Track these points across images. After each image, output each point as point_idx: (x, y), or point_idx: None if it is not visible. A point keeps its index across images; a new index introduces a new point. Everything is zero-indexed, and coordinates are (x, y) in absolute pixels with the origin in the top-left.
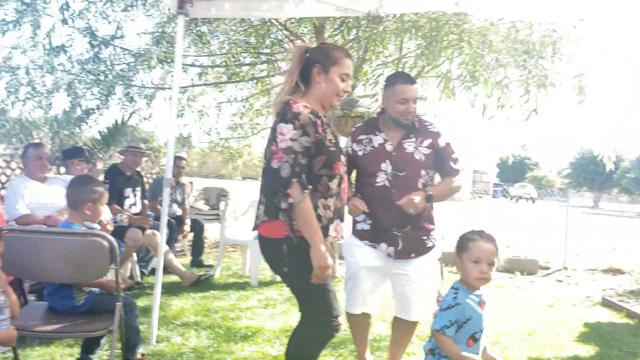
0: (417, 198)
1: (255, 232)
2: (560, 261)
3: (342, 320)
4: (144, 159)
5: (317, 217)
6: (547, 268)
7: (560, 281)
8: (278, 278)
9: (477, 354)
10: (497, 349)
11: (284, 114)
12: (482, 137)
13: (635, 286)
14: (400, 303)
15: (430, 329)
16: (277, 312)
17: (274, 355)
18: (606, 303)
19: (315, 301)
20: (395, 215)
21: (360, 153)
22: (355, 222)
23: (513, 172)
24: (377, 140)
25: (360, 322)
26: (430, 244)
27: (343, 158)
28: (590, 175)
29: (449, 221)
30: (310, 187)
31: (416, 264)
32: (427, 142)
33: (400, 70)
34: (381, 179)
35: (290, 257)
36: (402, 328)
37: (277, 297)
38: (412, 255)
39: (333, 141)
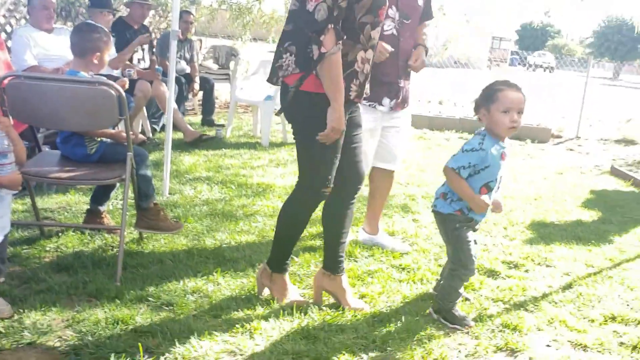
0: (423, 55)
1: (267, 92)
2: (573, 130)
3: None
4: (151, 11)
5: (354, 73)
6: (560, 137)
7: (571, 150)
8: (289, 139)
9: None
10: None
11: None
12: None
13: None
14: (387, 154)
15: (443, 168)
16: (288, 171)
17: None
18: (614, 172)
19: (314, 165)
20: (400, 65)
21: None
22: None
23: (533, 40)
24: None
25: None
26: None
27: (388, 2)
28: (614, 45)
29: (465, 87)
30: (345, 37)
31: (404, 114)
32: None
33: None
34: (389, 27)
35: (311, 116)
36: (384, 179)
37: (288, 157)
38: (406, 105)
39: None
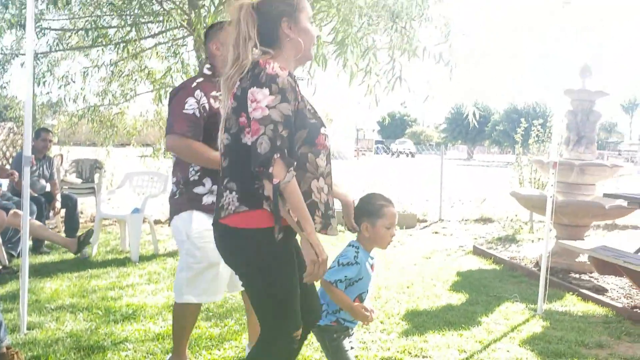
0: None
1: (134, 205)
2: (436, 213)
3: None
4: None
5: (313, 205)
6: (425, 221)
7: (436, 232)
8: (161, 251)
9: None
10: (378, 304)
11: (256, 77)
12: (360, 99)
13: (503, 233)
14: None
15: (321, 281)
16: (161, 287)
17: (157, 332)
18: (476, 251)
19: (281, 308)
20: None
21: (223, 112)
22: (195, 195)
23: (394, 128)
24: None
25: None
26: None
27: (324, 130)
28: (464, 129)
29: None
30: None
31: None
32: None
33: None
34: None
35: (268, 252)
36: None
37: (161, 270)
38: None
39: (312, 111)
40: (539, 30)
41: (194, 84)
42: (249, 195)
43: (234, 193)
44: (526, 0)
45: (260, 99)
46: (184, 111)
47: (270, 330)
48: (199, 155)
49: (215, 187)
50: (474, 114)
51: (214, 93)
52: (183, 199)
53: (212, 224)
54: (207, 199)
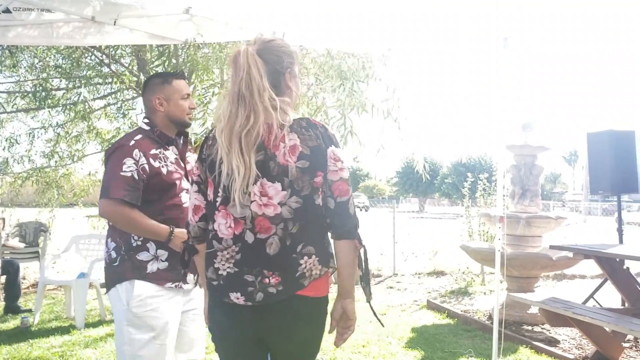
0: None
1: (80, 270)
2: (390, 268)
3: None
4: None
5: None
6: (380, 275)
7: (391, 287)
8: (108, 317)
9: None
10: None
11: (327, 135)
12: None
13: (456, 286)
14: (191, 342)
15: None
16: (107, 353)
17: None
18: (431, 305)
19: None
20: None
21: (164, 171)
22: (139, 262)
23: None
24: (171, 155)
25: None
26: None
27: None
28: (415, 182)
29: None
30: None
31: (200, 292)
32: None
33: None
34: (186, 199)
35: (323, 320)
36: None
37: (106, 337)
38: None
39: None
40: (482, 81)
41: (132, 142)
42: (326, 260)
43: (313, 257)
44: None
45: (343, 159)
46: (122, 173)
47: None
48: (136, 224)
49: (160, 252)
50: (425, 168)
51: (153, 151)
52: (125, 267)
53: (284, 297)
54: (152, 266)
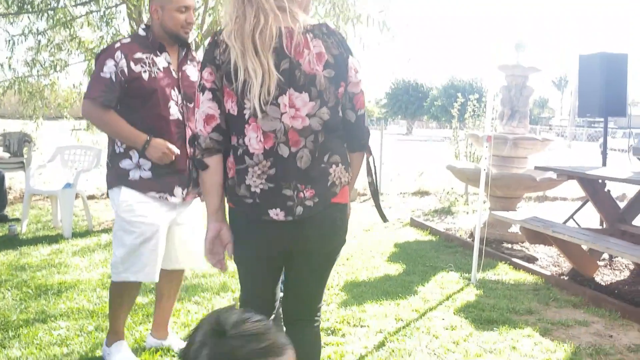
0: None
1: (66, 180)
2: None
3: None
4: None
5: None
6: (365, 194)
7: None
8: (95, 227)
9: None
10: None
11: (345, 44)
12: None
13: (439, 205)
14: (185, 253)
15: None
16: (95, 262)
17: (91, 309)
18: (414, 223)
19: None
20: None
21: (145, 76)
22: (122, 170)
23: None
24: (161, 62)
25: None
26: None
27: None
28: (404, 104)
29: None
30: None
31: (194, 205)
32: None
33: None
34: (174, 111)
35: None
36: (172, 281)
37: (95, 247)
38: (197, 192)
39: None
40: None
41: (118, 44)
42: (348, 167)
43: (340, 165)
44: None
45: (360, 70)
46: (101, 74)
47: (318, 311)
48: (111, 126)
49: (143, 162)
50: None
51: (138, 55)
52: (112, 174)
53: (321, 209)
54: (134, 174)
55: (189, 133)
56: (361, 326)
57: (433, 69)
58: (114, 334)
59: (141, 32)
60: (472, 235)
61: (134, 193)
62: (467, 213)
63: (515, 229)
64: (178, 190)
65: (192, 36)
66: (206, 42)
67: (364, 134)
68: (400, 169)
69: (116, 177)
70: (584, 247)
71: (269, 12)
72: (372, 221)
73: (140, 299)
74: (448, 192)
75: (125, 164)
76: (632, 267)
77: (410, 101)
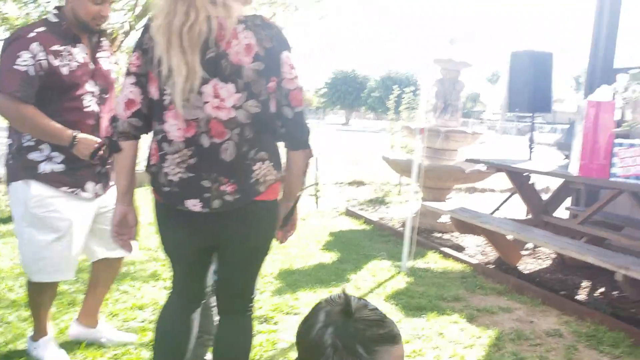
0: None
1: None
2: (312, 176)
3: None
4: None
5: None
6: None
7: (313, 195)
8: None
9: None
10: None
11: (282, 38)
12: None
13: (374, 196)
14: (109, 241)
15: None
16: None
17: (13, 299)
18: (349, 213)
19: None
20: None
21: (64, 70)
22: (29, 162)
23: None
24: (79, 53)
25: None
26: None
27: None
28: (343, 94)
29: None
30: None
31: (110, 193)
32: (112, 56)
33: None
34: (89, 102)
35: (276, 221)
36: (109, 269)
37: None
38: (111, 183)
39: None
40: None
41: (32, 34)
42: (278, 166)
43: (267, 162)
44: None
45: (295, 66)
46: (15, 67)
47: (250, 302)
48: (33, 123)
49: (55, 154)
50: None
51: (56, 47)
52: (17, 166)
53: (241, 205)
54: (45, 167)
55: (103, 125)
56: (294, 314)
57: (371, 60)
58: (39, 331)
59: (53, 18)
60: (404, 224)
61: (45, 187)
62: (401, 203)
63: (445, 219)
64: (90, 186)
65: (107, 25)
66: (137, 26)
67: (304, 131)
68: (337, 158)
69: (22, 169)
70: (509, 237)
71: (200, 9)
72: (308, 211)
73: (65, 287)
74: (382, 183)
75: (33, 155)
76: (553, 256)
77: (348, 91)
